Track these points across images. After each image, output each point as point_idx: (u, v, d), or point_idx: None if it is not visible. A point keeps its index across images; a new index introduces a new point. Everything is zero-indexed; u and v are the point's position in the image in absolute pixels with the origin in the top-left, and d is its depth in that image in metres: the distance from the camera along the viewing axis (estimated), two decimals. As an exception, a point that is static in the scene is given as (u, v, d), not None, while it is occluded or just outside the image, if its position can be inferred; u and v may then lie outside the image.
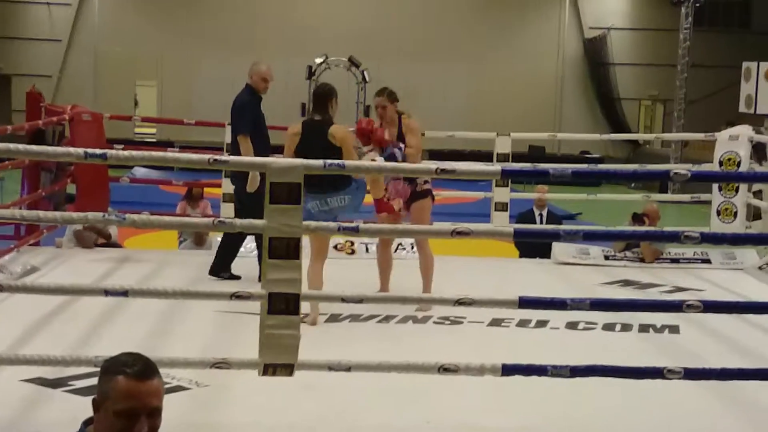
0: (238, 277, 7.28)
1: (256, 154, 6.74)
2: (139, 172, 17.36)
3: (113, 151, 4.23)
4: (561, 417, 4.50)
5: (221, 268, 7.33)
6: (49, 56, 27.48)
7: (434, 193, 6.87)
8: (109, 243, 8.77)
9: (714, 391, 4.72)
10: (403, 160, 6.45)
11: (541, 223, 9.54)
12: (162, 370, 4.92)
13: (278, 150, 7.04)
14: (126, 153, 4.33)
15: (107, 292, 4.22)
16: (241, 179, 7.07)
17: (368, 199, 6.50)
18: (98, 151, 4.09)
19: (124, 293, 4.16)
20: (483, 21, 28.51)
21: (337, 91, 6.32)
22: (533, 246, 9.12)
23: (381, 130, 6.48)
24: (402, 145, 6.49)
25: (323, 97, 6.26)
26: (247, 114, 7.10)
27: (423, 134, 7.24)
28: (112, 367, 2.27)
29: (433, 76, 28.06)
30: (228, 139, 8.42)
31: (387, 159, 6.34)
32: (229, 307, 5.84)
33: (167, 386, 4.56)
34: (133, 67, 27.85)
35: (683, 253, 8.68)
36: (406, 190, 6.67)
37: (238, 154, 6.94)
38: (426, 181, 6.69)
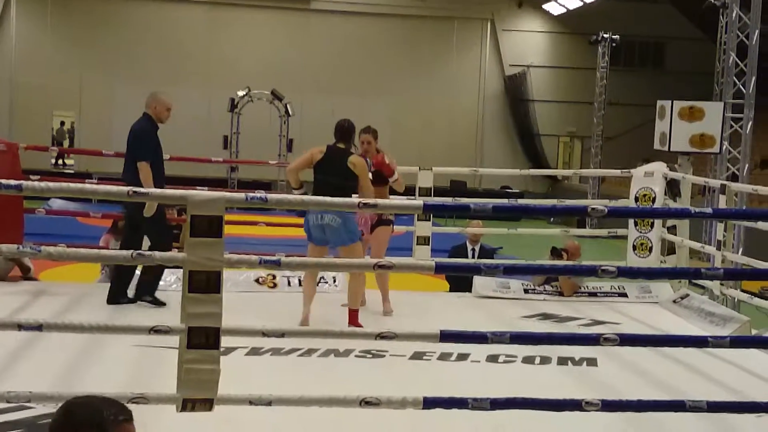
0: (162, 303, 7.27)
1: (154, 182, 6.98)
2: (56, 203, 16.97)
3: (29, 182, 4.14)
4: (482, 450, 4.51)
5: (118, 294, 7.33)
6: (-37, 85, 26.84)
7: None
8: (27, 276, 8.55)
9: (631, 423, 4.80)
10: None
11: (473, 257, 9.62)
12: (77, 407, 4.78)
13: (171, 180, 7.23)
14: (42, 184, 4.24)
15: (21, 327, 4.11)
16: (137, 204, 7.02)
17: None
18: (13, 182, 4.00)
19: (39, 327, 4.06)
20: (405, 56, 28.85)
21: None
22: (462, 280, 9.21)
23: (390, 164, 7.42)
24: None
25: (348, 130, 7.05)
26: (149, 141, 7.26)
27: None
28: (104, 421, 2.15)
29: (355, 109, 28.06)
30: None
31: None
32: (149, 341, 5.74)
33: (82, 423, 4.47)
34: (51, 96, 27.35)
35: (600, 287, 8.84)
36: (373, 218, 7.40)
37: (134, 179, 6.99)
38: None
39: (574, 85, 28.96)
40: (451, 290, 9.47)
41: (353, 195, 6.67)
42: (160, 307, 7.26)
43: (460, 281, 9.28)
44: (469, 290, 8.87)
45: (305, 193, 6.84)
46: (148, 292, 7.36)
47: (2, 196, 7.84)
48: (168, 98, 7.58)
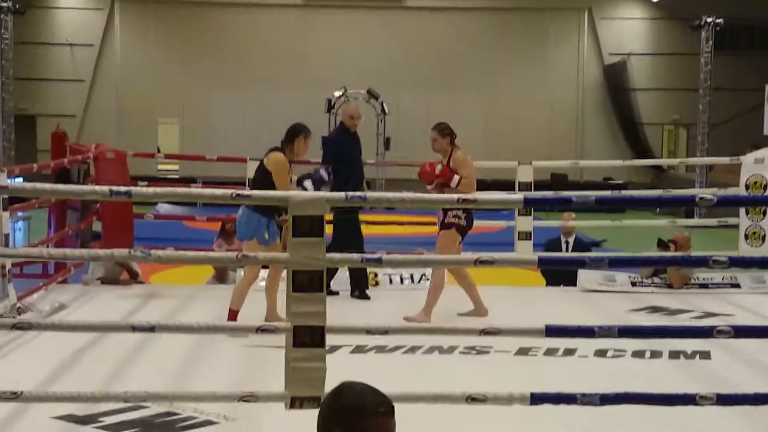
0: (368, 297, 7.98)
1: (344, 181, 7.43)
2: (163, 208, 17.46)
3: (138, 188, 4.27)
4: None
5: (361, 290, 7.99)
6: (72, 96, 27.84)
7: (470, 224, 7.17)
8: (137, 280, 8.82)
9: (748, 417, 4.65)
10: (334, 180, 7.05)
11: (568, 250, 9.48)
12: (190, 405, 4.93)
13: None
14: (150, 190, 4.37)
15: (135, 328, 4.24)
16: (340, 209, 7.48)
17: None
18: (123, 188, 4.13)
19: (151, 329, 4.18)
20: (501, 49, 28.61)
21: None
22: (560, 274, 9.07)
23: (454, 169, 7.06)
24: (326, 167, 7.04)
25: (289, 131, 6.72)
26: (330, 148, 8.04)
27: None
28: (365, 409, 2.23)
29: (451, 105, 28.13)
30: (251, 173, 8.68)
31: (314, 179, 6.75)
32: (256, 341, 5.85)
33: (195, 421, 4.58)
34: (155, 104, 28.15)
35: (712, 278, 8.59)
36: (439, 219, 7.18)
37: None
38: (455, 215, 6.98)
39: (677, 71, 28.20)
40: (547, 285, 9.33)
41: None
42: (366, 300, 7.92)
43: (556, 275, 9.14)
44: (565, 284, 8.75)
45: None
46: (358, 287, 8.00)
47: (113, 202, 8.13)
48: (351, 107, 8.43)
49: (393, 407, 2.27)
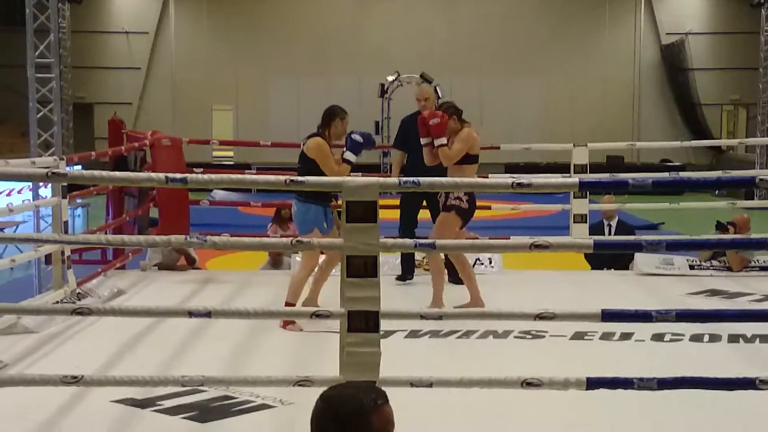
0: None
1: (409, 165, 7.86)
2: (218, 194, 17.64)
3: (193, 175, 4.31)
4: (653, 431, 4.39)
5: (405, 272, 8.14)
6: (128, 84, 28.20)
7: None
8: (194, 266, 8.94)
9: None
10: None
11: (610, 233, 9.33)
12: (246, 389, 4.98)
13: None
14: (205, 176, 4.41)
15: (191, 314, 4.29)
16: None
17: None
18: (179, 175, 4.17)
19: (208, 314, 4.22)
20: (555, 31, 28.27)
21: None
22: (604, 258, 8.95)
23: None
24: (356, 131, 6.64)
25: (324, 115, 6.64)
26: (398, 132, 8.29)
27: (483, 148, 7.33)
28: (365, 408, 2.18)
29: (505, 88, 27.94)
30: None
31: (351, 149, 6.48)
32: (311, 325, 5.89)
33: (251, 405, 4.63)
34: (209, 92, 28.39)
35: (772, 261, 8.43)
36: (441, 201, 6.91)
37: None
38: (458, 198, 6.69)
39: (737, 50, 27.60)
40: (592, 269, 9.19)
41: None
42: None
43: (601, 259, 9.01)
44: (609, 268, 8.63)
45: None
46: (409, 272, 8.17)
47: (169, 189, 8.24)
48: (417, 90, 8.50)
49: (386, 394, 2.23)
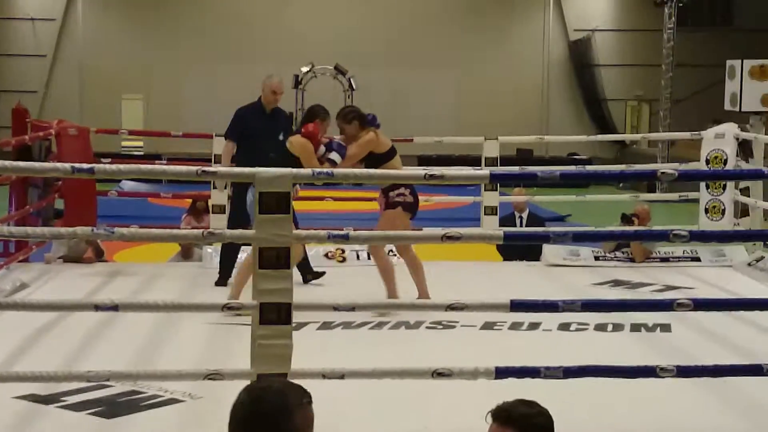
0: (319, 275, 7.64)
1: (240, 163, 7.11)
2: (127, 185, 17.29)
3: (101, 165, 4.24)
4: (557, 418, 4.49)
5: (226, 276, 7.41)
6: (34, 72, 27.37)
7: (422, 198, 6.93)
8: (101, 259, 8.75)
9: (708, 389, 4.73)
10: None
11: (522, 225, 9.50)
12: (155, 383, 4.92)
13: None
14: (114, 166, 4.34)
15: (97, 307, 4.21)
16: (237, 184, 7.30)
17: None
18: (85, 165, 4.09)
19: (115, 308, 4.15)
20: (467, 26, 28.57)
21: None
22: (516, 249, 9.11)
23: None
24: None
25: (307, 113, 6.87)
26: (235, 122, 7.66)
27: (392, 143, 6.94)
28: (290, 405, 2.16)
29: (419, 81, 28.09)
30: (217, 149, 8.72)
31: (334, 148, 6.49)
32: (222, 318, 5.84)
33: (160, 399, 4.57)
34: (119, 80, 27.78)
35: (673, 252, 8.69)
36: (381, 201, 6.75)
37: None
38: (400, 194, 6.55)
39: (641, 47, 28.35)
40: (504, 260, 9.33)
41: None
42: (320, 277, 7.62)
43: (512, 250, 9.16)
44: (521, 260, 8.80)
45: None
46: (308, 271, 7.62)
47: (76, 180, 8.05)
48: (275, 80, 7.85)
49: (310, 395, 2.22)
